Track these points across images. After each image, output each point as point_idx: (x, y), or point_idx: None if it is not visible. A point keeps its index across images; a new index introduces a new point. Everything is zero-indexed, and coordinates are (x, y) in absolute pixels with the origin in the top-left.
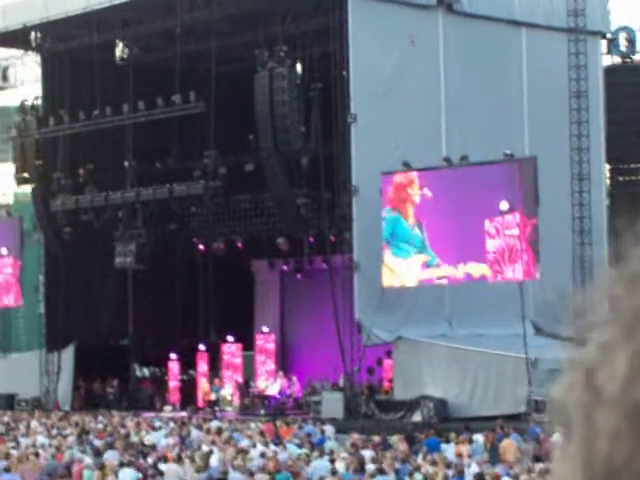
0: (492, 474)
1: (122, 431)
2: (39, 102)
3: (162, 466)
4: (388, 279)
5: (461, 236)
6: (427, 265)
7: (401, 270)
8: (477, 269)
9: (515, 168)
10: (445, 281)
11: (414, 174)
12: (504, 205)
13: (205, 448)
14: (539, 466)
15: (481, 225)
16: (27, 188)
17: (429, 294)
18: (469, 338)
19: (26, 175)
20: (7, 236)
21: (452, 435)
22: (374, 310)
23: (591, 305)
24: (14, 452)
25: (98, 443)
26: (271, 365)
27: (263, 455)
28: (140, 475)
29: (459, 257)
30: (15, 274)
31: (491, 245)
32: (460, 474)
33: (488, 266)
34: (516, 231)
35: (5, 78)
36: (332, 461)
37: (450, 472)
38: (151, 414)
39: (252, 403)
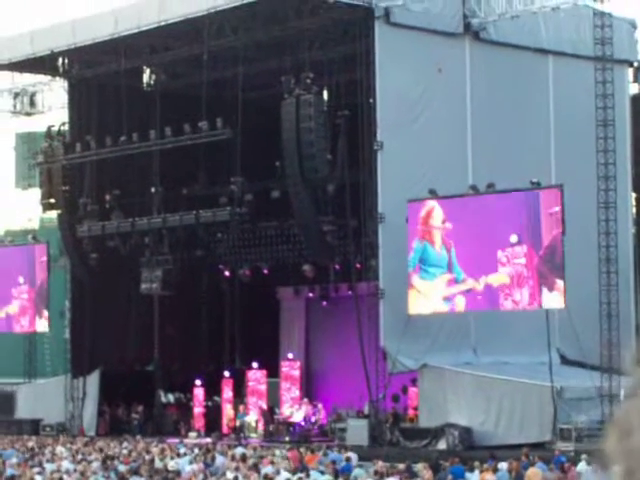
0: None
1: (147, 457)
2: (66, 128)
3: None
4: (414, 302)
5: (480, 258)
6: (455, 281)
7: (427, 290)
8: (496, 278)
9: (525, 200)
10: (462, 300)
11: (437, 206)
12: (514, 238)
13: (229, 475)
14: None
15: (495, 253)
16: (53, 214)
17: (454, 322)
18: (494, 366)
19: (52, 201)
20: (23, 263)
21: (476, 463)
22: (399, 337)
23: None
24: (39, 478)
25: (123, 469)
26: (296, 392)
27: None
28: None
29: (480, 272)
30: (30, 299)
31: (503, 271)
32: None
33: (506, 275)
34: (523, 260)
35: (32, 104)
36: None
37: None
38: (176, 440)
39: (277, 430)
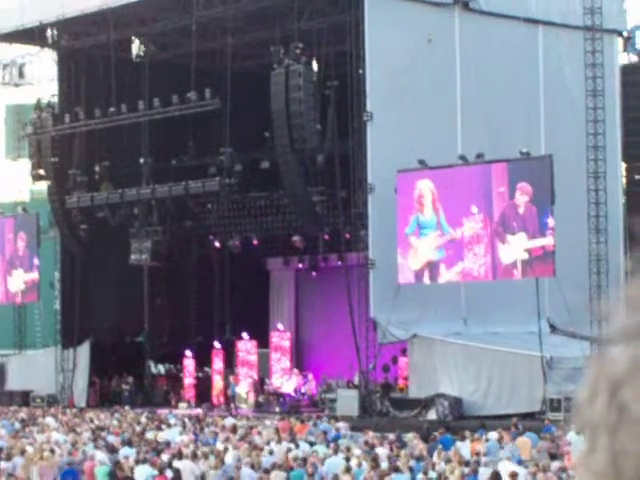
0: (511, 471)
1: (137, 428)
2: (55, 99)
3: (177, 463)
4: (413, 259)
5: (456, 220)
6: (442, 235)
7: (423, 245)
8: (470, 226)
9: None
10: (442, 253)
11: (426, 184)
12: (474, 209)
13: (220, 445)
14: (555, 464)
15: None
16: (43, 185)
17: (444, 292)
18: (484, 336)
19: (42, 172)
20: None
21: (467, 433)
22: (389, 308)
23: (621, 311)
24: (30, 449)
25: (113, 440)
26: (286, 362)
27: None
28: (156, 472)
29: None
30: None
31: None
32: (474, 473)
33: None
34: (480, 224)
35: (21, 75)
36: (347, 459)
37: (466, 470)
38: (166, 411)
39: (267, 400)
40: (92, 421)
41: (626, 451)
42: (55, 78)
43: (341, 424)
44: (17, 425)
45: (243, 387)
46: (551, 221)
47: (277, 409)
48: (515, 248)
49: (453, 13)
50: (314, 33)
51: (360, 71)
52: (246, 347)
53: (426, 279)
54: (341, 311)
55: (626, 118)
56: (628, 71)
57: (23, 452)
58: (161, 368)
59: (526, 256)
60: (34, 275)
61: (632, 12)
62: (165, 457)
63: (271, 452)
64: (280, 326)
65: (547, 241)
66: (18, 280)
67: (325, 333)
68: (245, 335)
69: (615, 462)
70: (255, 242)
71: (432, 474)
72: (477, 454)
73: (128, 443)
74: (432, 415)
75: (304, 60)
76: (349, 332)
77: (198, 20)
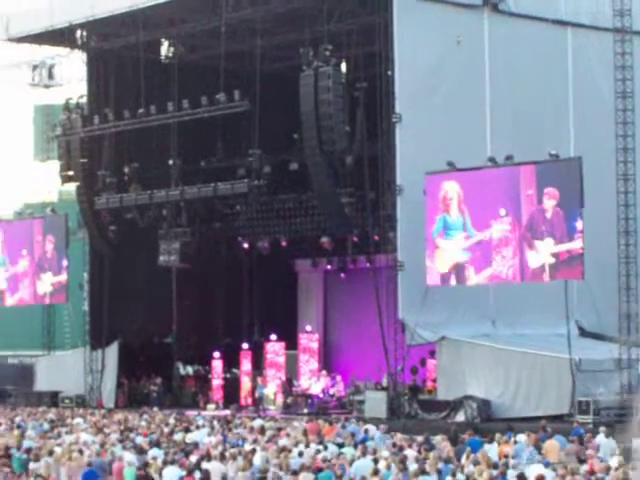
0: (537, 475)
1: (165, 429)
2: (84, 100)
3: (205, 464)
4: (440, 261)
5: (482, 222)
6: (469, 237)
7: (450, 247)
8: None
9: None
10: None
11: (452, 185)
12: (502, 211)
13: (248, 446)
14: (583, 467)
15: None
16: (72, 186)
17: (473, 294)
18: (513, 338)
19: (71, 173)
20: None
21: (497, 435)
22: (418, 310)
23: None
24: (58, 449)
25: (141, 441)
26: (314, 364)
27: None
28: (184, 473)
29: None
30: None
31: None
32: (503, 475)
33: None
34: (508, 227)
35: (51, 76)
36: (375, 461)
37: (494, 472)
38: (194, 412)
39: (295, 402)
40: (120, 423)
41: None
42: (84, 79)
43: (369, 426)
44: (46, 426)
45: (271, 388)
46: (580, 224)
47: (305, 410)
48: (543, 253)
49: (482, 15)
50: (343, 35)
51: (389, 73)
52: (274, 348)
53: (453, 281)
54: (369, 313)
55: None
56: None
57: (51, 453)
58: (189, 369)
59: (553, 260)
60: (63, 277)
61: None
62: (194, 458)
63: (301, 454)
64: (308, 328)
65: (576, 244)
66: (46, 283)
67: (353, 335)
68: (273, 336)
69: None
70: (284, 243)
71: (460, 477)
72: (505, 456)
73: (156, 444)
74: (460, 417)
75: (333, 62)
76: (377, 334)
77: (227, 22)
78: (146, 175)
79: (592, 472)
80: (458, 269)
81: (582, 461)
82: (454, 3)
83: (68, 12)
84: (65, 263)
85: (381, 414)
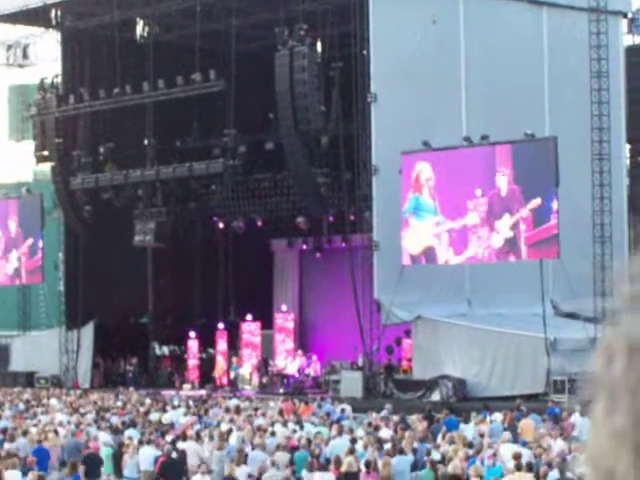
0: (514, 452)
1: (141, 409)
2: (59, 80)
3: (181, 444)
4: (410, 240)
5: (456, 205)
6: (438, 223)
7: (420, 228)
8: (470, 219)
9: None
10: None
11: (425, 167)
12: (478, 192)
13: (224, 426)
14: (558, 445)
15: (465, 202)
16: (47, 166)
17: (448, 273)
18: (488, 318)
19: (46, 153)
20: (24, 214)
21: (473, 414)
22: (393, 289)
23: (628, 281)
24: (33, 429)
25: (116, 421)
26: (290, 344)
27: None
28: (160, 453)
29: (456, 216)
30: (27, 253)
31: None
32: (478, 454)
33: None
34: (484, 207)
35: (25, 56)
36: (353, 440)
37: (470, 451)
38: (170, 392)
39: (271, 382)
40: (96, 403)
41: None
42: (59, 59)
43: (345, 406)
44: (21, 406)
45: (247, 368)
46: (555, 204)
47: (281, 390)
48: (502, 231)
49: None
50: (318, 14)
51: (364, 52)
52: (250, 328)
53: (423, 261)
54: (345, 293)
55: (630, 100)
56: (633, 53)
57: (26, 433)
58: (165, 349)
59: (511, 234)
60: (38, 256)
61: None
62: (169, 438)
63: (273, 433)
64: (284, 307)
65: (551, 223)
66: (13, 262)
67: (329, 315)
68: (249, 316)
69: (637, 421)
70: (259, 223)
71: (436, 455)
72: (481, 435)
73: (132, 424)
74: (436, 397)
75: (308, 41)
76: (353, 314)
77: (202, 1)
78: (121, 155)
79: (568, 450)
80: (428, 253)
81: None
82: None
83: None
84: (40, 243)
85: (357, 394)
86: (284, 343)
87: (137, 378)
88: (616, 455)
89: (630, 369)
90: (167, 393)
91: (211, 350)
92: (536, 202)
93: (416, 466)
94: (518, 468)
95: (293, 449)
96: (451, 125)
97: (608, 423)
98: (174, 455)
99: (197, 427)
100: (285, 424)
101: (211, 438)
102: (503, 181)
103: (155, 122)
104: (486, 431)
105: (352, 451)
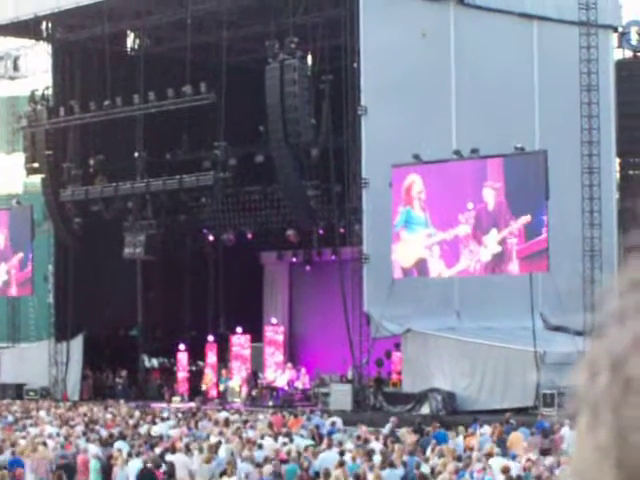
0: (503, 466)
1: (130, 422)
2: (49, 92)
3: (170, 457)
4: (401, 253)
5: (447, 218)
6: (430, 235)
7: (412, 241)
8: (461, 229)
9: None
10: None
11: (416, 179)
12: (470, 205)
13: (213, 439)
14: (547, 460)
15: (457, 215)
16: (37, 178)
17: (438, 287)
18: (478, 331)
19: (36, 165)
20: (14, 226)
21: (460, 428)
22: (383, 302)
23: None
24: (22, 442)
25: (105, 433)
26: (280, 356)
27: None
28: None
29: (447, 228)
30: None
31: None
32: (467, 467)
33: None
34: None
35: (16, 68)
36: (341, 453)
37: (460, 464)
38: (160, 405)
39: (260, 394)
40: (85, 415)
41: (631, 425)
42: (49, 71)
43: (335, 419)
44: (10, 418)
45: (236, 381)
46: (545, 218)
47: (270, 403)
48: (490, 246)
49: (448, 8)
50: (309, 27)
51: (355, 65)
52: (240, 341)
53: (415, 274)
54: (335, 305)
55: (620, 113)
56: (623, 67)
57: (14, 445)
58: (155, 362)
59: (499, 249)
60: (28, 269)
61: (627, 7)
62: (158, 450)
63: (260, 446)
64: (274, 320)
65: (541, 237)
66: (1, 274)
67: (319, 327)
68: (239, 329)
69: (620, 437)
70: (249, 236)
71: (425, 469)
72: (470, 449)
73: (121, 437)
74: (425, 410)
75: (299, 54)
76: (343, 326)
77: (193, 14)
78: (111, 167)
79: (557, 464)
80: (420, 266)
81: (545, 453)
82: None
83: (33, 3)
84: (30, 255)
85: (346, 406)
86: (274, 356)
87: (126, 390)
88: (600, 469)
89: (613, 384)
90: (157, 405)
91: (201, 363)
92: (525, 219)
93: (406, 479)
94: None
95: (282, 462)
96: (441, 138)
97: (591, 438)
98: (150, 465)
99: (186, 440)
100: (276, 437)
101: (200, 451)
102: (490, 195)
103: (145, 134)
104: (475, 444)
105: (342, 464)
